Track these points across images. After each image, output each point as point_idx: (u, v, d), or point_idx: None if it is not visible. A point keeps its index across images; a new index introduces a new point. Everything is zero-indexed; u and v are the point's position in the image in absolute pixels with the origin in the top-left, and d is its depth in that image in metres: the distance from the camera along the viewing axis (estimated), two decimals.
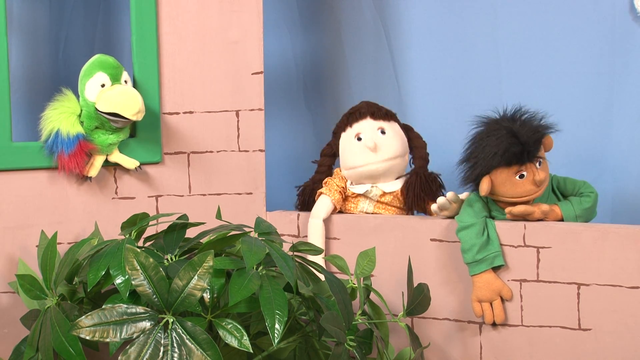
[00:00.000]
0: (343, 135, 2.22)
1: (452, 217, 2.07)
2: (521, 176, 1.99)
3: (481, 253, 2.00)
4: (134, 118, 2.02)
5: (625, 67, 2.26)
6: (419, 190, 2.17)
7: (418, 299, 1.92)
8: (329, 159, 2.25)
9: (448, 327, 2.08)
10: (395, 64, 2.49)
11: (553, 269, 1.97)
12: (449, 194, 2.06)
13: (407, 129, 2.24)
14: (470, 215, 2.02)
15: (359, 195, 2.20)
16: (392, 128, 2.20)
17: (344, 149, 2.21)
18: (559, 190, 2.08)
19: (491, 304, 2.01)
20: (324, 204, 2.19)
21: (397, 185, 2.19)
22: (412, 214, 2.21)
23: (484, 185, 1.99)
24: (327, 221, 2.18)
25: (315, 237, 2.15)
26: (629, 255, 1.90)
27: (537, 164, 2.00)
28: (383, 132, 2.18)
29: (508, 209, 2.01)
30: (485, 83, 2.37)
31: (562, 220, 2.02)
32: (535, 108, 2.12)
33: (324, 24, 2.57)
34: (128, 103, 2.01)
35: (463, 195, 2.07)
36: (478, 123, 2.03)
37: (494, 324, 2.02)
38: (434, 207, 2.07)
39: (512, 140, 1.97)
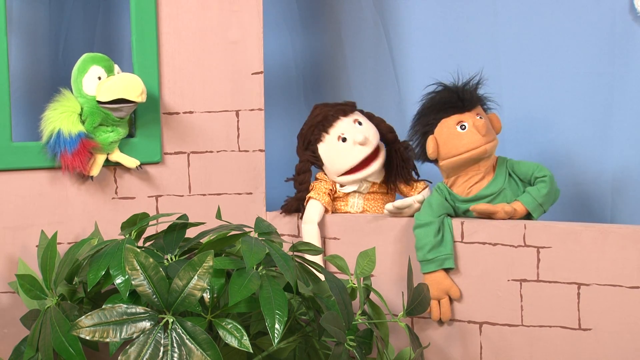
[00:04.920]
0: (322, 145, 2.19)
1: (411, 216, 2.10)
2: (462, 127, 2.01)
3: (432, 253, 2.02)
4: (138, 100, 2.01)
5: (625, 67, 2.26)
6: (399, 161, 2.20)
7: (418, 299, 1.92)
8: (307, 174, 2.22)
9: (448, 327, 2.08)
10: (395, 64, 2.49)
11: (553, 269, 1.97)
12: (396, 203, 2.09)
13: (369, 116, 2.25)
14: (427, 214, 2.04)
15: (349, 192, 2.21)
16: (361, 116, 2.22)
17: (330, 156, 2.19)
18: (515, 173, 2.07)
19: (439, 302, 2.04)
20: (315, 208, 2.18)
21: (383, 171, 2.21)
22: (394, 193, 2.24)
23: (430, 144, 2.02)
24: (324, 222, 2.18)
25: (312, 242, 2.14)
26: (629, 255, 1.90)
27: (477, 117, 2.02)
28: (360, 123, 2.19)
29: (472, 207, 2.02)
30: (485, 83, 2.36)
31: (528, 214, 2.02)
32: (537, 108, 2.13)
33: (324, 24, 2.57)
34: (130, 85, 2.01)
35: (412, 199, 2.09)
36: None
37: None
38: (385, 212, 2.11)
39: (448, 92, 2.03)
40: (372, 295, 2.02)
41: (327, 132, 2.19)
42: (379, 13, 2.49)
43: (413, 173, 2.23)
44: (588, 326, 1.95)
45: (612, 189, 2.29)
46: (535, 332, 1.99)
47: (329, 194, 2.20)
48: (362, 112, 2.24)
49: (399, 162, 2.20)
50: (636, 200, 2.27)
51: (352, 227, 2.16)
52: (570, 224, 1.97)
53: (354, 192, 2.20)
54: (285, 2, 2.58)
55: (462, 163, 2.04)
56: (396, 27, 2.48)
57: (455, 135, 2.02)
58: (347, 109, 2.21)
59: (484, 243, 2.02)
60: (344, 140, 2.17)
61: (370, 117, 2.24)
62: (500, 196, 2.05)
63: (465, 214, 2.07)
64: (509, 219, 2.02)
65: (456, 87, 2.05)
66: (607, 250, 1.92)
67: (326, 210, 2.19)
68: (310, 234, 2.16)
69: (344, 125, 2.18)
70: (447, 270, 2.04)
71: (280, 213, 2.23)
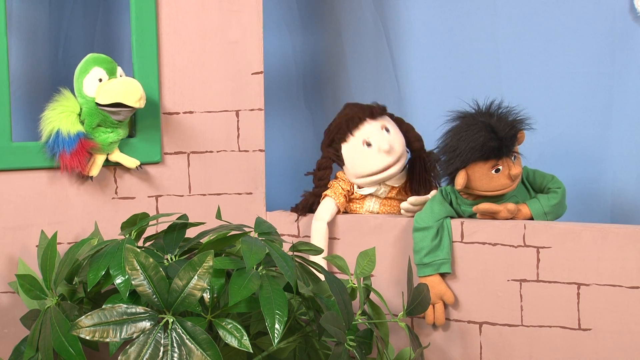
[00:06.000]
0: (345, 145, 2.17)
1: None
2: (497, 170, 2.01)
3: (429, 257, 2.02)
4: (136, 105, 2.01)
5: (625, 67, 2.26)
6: (423, 172, 2.19)
7: (418, 299, 1.92)
8: (328, 171, 2.20)
9: (448, 327, 2.08)
10: (395, 64, 2.49)
11: (553, 269, 1.97)
12: (411, 199, 2.08)
13: (398, 122, 2.22)
14: (428, 218, 2.04)
15: (366, 195, 2.20)
16: (390, 122, 2.19)
17: (352, 158, 2.16)
18: (528, 182, 2.08)
19: (434, 306, 2.04)
20: (328, 206, 2.17)
21: (403, 177, 2.20)
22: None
23: (460, 180, 2.01)
24: (329, 223, 2.17)
25: (319, 239, 2.14)
26: (629, 255, 1.90)
27: (512, 158, 2.01)
28: (387, 130, 2.17)
29: (475, 207, 2.02)
30: (485, 83, 2.37)
31: (531, 218, 2.03)
32: (537, 108, 2.13)
33: (324, 24, 2.57)
34: (129, 91, 2.01)
35: (426, 197, 2.09)
36: (454, 117, 2.04)
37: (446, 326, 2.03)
38: (402, 211, 2.11)
39: (489, 135, 1.99)
40: (372, 295, 2.02)
41: (352, 134, 2.16)
42: (379, 13, 2.49)
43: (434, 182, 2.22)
44: (588, 326, 1.95)
45: (612, 189, 2.29)
46: (535, 332, 1.99)
47: (345, 195, 2.19)
48: (392, 116, 2.21)
49: (422, 171, 2.19)
50: (636, 200, 2.27)
51: (352, 227, 2.16)
52: (570, 224, 1.97)
53: (371, 195, 2.19)
54: (285, 2, 2.58)
55: (485, 196, 2.05)
56: (396, 27, 2.48)
57: (487, 176, 2.01)
58: (375, 111, 2.16)
59: (483, 243, 2.02)
60: (369, 145, 2.14)
61: (399, 122, 2.21)
62: (507, 201, 2.05)
63: (471, 217, 2.06)
64: (511, 218, 2.02)
65: (502, 134, 1.99)
66: (607, 250, 1.92)
67: (338, 211, 2.18)
68: (319, 232, 2.15)
69: (370, 129, 2.15)
70: (443, 275, 2.04)
71: (296, 210, 2.21)
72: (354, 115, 2.16)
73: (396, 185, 2.19)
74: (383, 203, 2.20)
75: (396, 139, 2.16)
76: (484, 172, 2.01)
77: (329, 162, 2.20)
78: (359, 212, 2.20)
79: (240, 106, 2.21)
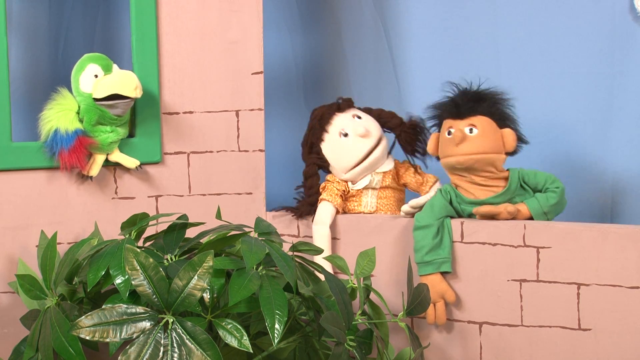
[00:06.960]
0: (324, 144, 2.19)
1: None
2: (449, 133, 2.04)
3: (430, 255, 2.02)
4: (132, 95, 2.01)
5: (625, 67, 2.26)
6: (414, 139, 2.21)
7: (418, 299, 1.92)
8: (315, 178, 2.21)
9: (448, 327, 2.08)
10: (395, 63, 2.49)
11: (553, 269, 1.97)
12: (411, 202, 2.09)
13: (367, 110, 2.25)
14: (428, 216, 2.04)
15: (361, 189, 2.20)
16: (358, 111, 2.22)
17: (334, 152, 2.18)
18: (527, 184, 2.08)
19: (435, 305, 2.04)
20: (327, 209, 2.17)
21: (391, 162, 2.21)
22: (404, 189, 2.25)
23: (431, 142, 2.08)
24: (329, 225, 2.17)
25: (323, 243, 2.14)
26: (629, 255, 1.90)
27: (469, 130, 2.01)
28: (359, 117, 2.19)
29: (475, 210, 2.03)
30: (485, 83, 2.36)
31: (530, 218, 2.03)
32: (537, 108, 2.14)
33: (324, 24, 2.57)
34: (124, 81, 2.01)
35: (426, 198, 2.09)
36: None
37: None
38: (402, 213, 2.12)
39: (455, 97, 2.06)
40: (372, 295, 2.02)
41: (326, 131, 2.19)
42: (379, 13, 2.49)
43: (420, 155, 2.23)
44: (588, 326, 1.95)
45: (612, 189, 2.29)
46: (535, 332, 1.99)
47: (340, 195, 2.19)
48: (359, 108, 2.24)
49: (412, 140, 2.21)
50: (636, 200, 2.27)
51: (352, 227, 2.16)
52: (570, 224, 1.97)
53: (367, 188, 2.19)
54: (285, 2, 2.58)
55: (447, 168, 2.06)
56: (396, 27, 2.48)
57: (443, 139, 2.07)
58: (342, 105, 2.21)
59: (483, 243, 2.02)
60: (346, 135, 2.17)
61: (368, 111, 2.24)
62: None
63: (471, 216, 2.07)
64: (512, 218, 2.02)
65: (466, 96, 2.06)
66: (607, 250, 1.92)
67: (337, 212, 2.18)
68: (321, 236, 2.15)
69: (342, 120, 2.19)
70: (444, 274, 2.04)
71: (292, 216, 2.22)
72: (323, 113, 2.20)
73: (387, 170, 2.19)
74: (379, 196, 2.20)
75: (370, 123, 2.19)
76: (442, 135, 2.07)
77: (314, 169, 2.21)
78: (358, 210, 2.20)
79: (240, 106, 2.21)
